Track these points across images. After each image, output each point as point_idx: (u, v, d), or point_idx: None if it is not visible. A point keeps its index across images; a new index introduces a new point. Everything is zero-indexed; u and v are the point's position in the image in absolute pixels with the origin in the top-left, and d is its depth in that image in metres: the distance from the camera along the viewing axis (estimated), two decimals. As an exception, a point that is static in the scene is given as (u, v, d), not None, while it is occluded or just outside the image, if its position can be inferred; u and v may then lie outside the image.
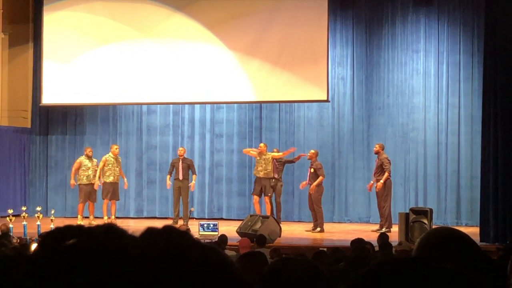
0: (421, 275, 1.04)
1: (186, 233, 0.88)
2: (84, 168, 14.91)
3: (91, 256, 0.80)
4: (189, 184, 15.03)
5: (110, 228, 0.86)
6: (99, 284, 0.78)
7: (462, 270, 1.06)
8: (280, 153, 14.83)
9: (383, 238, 9.90)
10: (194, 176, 15.07)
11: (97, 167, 14.93)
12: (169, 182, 15.16)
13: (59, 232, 0.84)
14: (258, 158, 14.66)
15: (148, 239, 0.86)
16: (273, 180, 14.77)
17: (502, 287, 2.11)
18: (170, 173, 15.21)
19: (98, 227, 0.87)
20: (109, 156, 14.98)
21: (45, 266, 0.80)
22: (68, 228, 0.85)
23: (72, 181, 15.02)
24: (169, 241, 0.85)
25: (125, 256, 0.82)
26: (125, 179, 15.35)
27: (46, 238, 0.84)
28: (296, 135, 16.46)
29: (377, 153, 14.04)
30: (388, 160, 13.92)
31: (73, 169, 15.11)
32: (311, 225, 14.08)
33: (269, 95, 15.56)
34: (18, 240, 10.18)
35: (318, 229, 13.76)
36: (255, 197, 14.76)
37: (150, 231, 0.89)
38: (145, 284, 0.79)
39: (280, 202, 15.10)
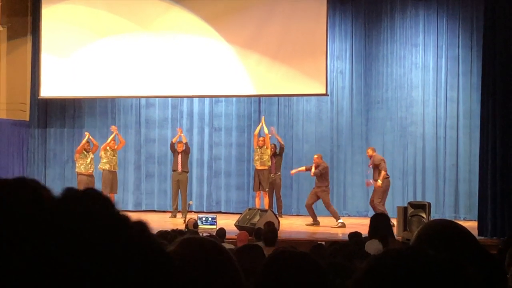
0: (420, 265, 1.05)
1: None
2: (82, 156, 15.01)
3: None
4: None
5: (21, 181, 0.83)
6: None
7: (459, 260, 1.07)
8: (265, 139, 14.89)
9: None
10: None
11: (93, 158, 15.06)
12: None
13: None
14: (256, 148, 14.82)
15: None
16: (272, 175, 14.85)
17: (500, 281, 2.11)
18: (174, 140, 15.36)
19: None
20: (108, 148, 15.11)
21: None
22: None
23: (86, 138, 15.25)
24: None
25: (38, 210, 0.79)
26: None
27: None
28: (295, 129, 16.46)
29: (371, 157, 14.02)
30: (383, 160, 13.94)
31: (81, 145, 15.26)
32: (309, 219, 14.07)
33: (268, 88, 15.55)
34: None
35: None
36: (257, 192, 14.85)
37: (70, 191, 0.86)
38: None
39: (281, 197, 15.16)
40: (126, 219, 0.84)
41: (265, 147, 14.80)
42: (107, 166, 14.99)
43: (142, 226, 0.86)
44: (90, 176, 15.08)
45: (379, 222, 6.86)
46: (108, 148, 15.06)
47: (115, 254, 0.80)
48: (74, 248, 0.77)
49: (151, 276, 0.82)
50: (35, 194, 0.80)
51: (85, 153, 15.05)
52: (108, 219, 0.83)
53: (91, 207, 0.83)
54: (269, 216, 12.23)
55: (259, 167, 14.78)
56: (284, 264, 2.22)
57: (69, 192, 0.84)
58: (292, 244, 9.85)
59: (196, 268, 1.79)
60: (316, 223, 13.80)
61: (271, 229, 8.77)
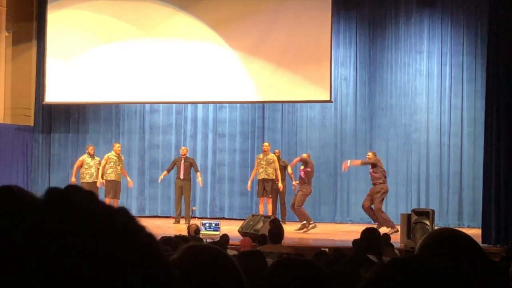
0: (425, 273, 1.05)
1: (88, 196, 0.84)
2: (86, 167, 14.95)
3: None
4: (197, 181, 15.33)
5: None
6: None
7: (463, 268, 1.07)
8: (277, 169, 14.73)
9: (385, 239, 9.88)
10: (198, 174, 15.20)
11: (99, 165, 14.96)
12: (161, 177, 15.42)
13: None
14: (260, 159, 14.71)
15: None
16: (276, 182, 14.79)
17: (504, 289, 2.11)
18: (168, 171, 15.33)
19: None
20: (111, 155, 15.00)
21: None
22: None
23: (73, 179, 15.03)
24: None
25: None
26: (128, 178, 15.35)
27: None
28: (299, 135, 16.46)
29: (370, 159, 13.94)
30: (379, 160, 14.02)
31: (75, 166, 15.16)
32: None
33: (272, 95, 15.55)
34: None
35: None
36: (261, 199, 14.79)
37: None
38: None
39: (285, 203, 15.13)
40: (110, 213, 0.82)
41: (270, 160, 14.62)
42: (112, 176, 14.91)
43: (127, 216, 0.83)
44: (94, 183, 14.98)
45: (370, 237, 6.84)
46: (113, 153, 14.98)
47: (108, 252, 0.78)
48: (63, 252, 0.75)
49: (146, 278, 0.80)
50: (17, 200, 0.80)
51: (90, 162, 14.96)
52: (94, 216, 0.81)
53: (75, 205, 0.81)
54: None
55: (263, 177, 14.65)
56: (288, 272, 2.22)
57: (52, 193, 0.83)
58: (296, 251, 9.84)
59: (200, 275, 1.79)
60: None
61: (277, 225, 8.76)
